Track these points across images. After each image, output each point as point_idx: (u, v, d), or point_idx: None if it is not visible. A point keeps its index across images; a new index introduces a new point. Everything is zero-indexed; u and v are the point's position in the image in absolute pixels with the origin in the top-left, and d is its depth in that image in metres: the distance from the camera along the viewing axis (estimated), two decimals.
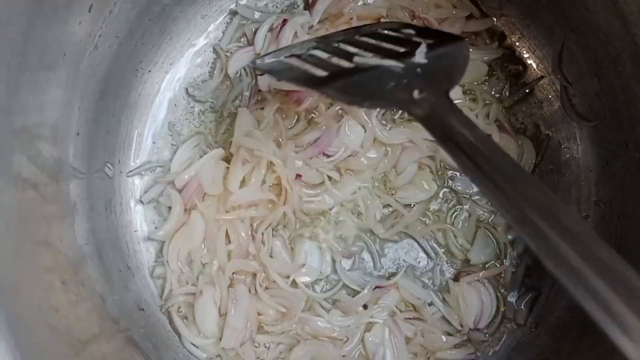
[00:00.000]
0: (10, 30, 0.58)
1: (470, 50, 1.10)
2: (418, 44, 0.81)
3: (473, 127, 0.69)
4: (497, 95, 1.13)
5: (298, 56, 0.88)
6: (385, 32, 0.91)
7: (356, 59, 0.81)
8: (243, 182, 1.05)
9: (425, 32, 0.90)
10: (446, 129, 0.71)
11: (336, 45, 0.90)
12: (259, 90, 1.09)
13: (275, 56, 0.91)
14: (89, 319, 0.77)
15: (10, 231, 0.60)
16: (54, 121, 0.76)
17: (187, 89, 1.10)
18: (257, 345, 1.03)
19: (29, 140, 0.67)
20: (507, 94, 1.13)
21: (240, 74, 1.11)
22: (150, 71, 1.06)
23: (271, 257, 1.04)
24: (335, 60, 0.84)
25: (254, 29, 1.10)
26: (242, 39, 1.12)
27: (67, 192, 0.82)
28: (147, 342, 0.95)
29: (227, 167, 1.05)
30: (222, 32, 1.12)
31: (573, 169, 1.10)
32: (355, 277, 1.07)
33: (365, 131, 1.06)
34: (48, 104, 0.73)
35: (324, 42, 0.92)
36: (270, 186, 1.05)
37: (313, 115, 1.08)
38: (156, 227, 1.06)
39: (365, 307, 1.05)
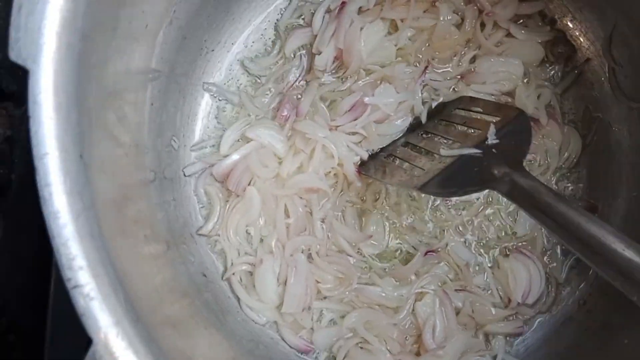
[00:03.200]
0: None
1: (523, 31, 1.13)
2: (487, 124, 0.97)
3: (550, 191, 0.83)
4: (550, 79, 1.15)
5: (395, 155, 1.06)
6: (458, 112, 1.07)
7: (442, 151, 0.97)
8: (301, 167, 1.09)
9: (489, 106, 1.05)
10: (529, 197, 0.84)
11: (424, 133, 1.08)
12: (310, 70, 1.13)
13: (375, 158, 1.09)
14: (166, 273, 0.82)
15: (105, 186, 0.65)
16: (136, 88, 0.81)
17: (242, 62, 1.14)
18: (313, 312, 1.08)
19: (118, 102, 0.73)
20: (560, 77, 1.15)
21: (296, 53, 1.15)
22: (213, 50, 1.11)
23: None
24: (426, 161, 0.99)
25: (312, 10, 1.14)
26: (301, 19, 1.16)
27: (143, 158, 0.87)
28: (210, 307, 1.00)
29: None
30: (281, 13, 1.16)
31: (623, 150, 1.11)
32: (412, 241, 1.11)
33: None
34: (132, 72, 0.78)
35: (411, 135, 1.09)
36: (326, 174, 1.09)
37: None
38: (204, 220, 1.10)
39: (417, 274, 1.09)
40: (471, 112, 1.05)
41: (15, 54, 0.54)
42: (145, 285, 0.68)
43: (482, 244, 1.12)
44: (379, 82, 1.12)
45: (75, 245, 0.53)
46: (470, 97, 1.11)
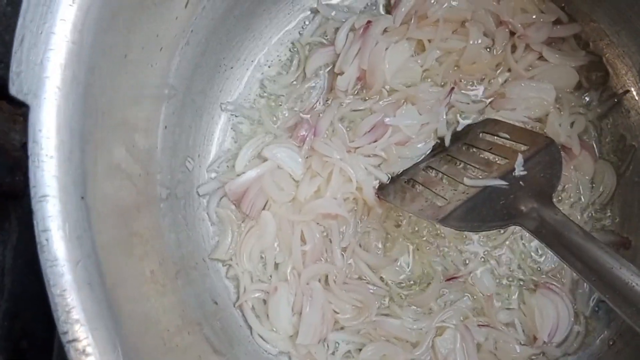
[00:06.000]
0: (118, 23, 0.59)
1: (557, 55, 1.08)
2: (514, 152, 0.92)
3: (581, 230, 0.78)
4: (585, 105, 1.09)
5: (416, 180, 1.01)
6: (484, 136, 1.02)
7: (466, 180, 0.91)
8: (318, 191, 1.05)
9: (516, 132, 0.99)
10: (557, 236, 0.79)
11: (447, 158, 1.03)
12: (331, 90, 1.09)
13: (394, 182, 1.04)
14: (173, 311, 0.78)
15: (109, 224, 0.61)
16: (147, 113, 0.78)
17: (262, 80, 1.11)
18: (328, 345, 1.03)
19: (127, 132, 0.69)
20: (595, 104, 1.09)
21: (318, 72, 1.11)
22: (232, 67, 1.07)
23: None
24: (448, 189, 0.94)
25: (335, 28, 1.10)
26: (324, 37, 1.12)
27: (154, 183, 0.83)
28: (219, 336, 0.96)
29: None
30: (302, 29, 1.12)
31: None
32: (436, 267, 1.06)
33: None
34: (143, 98, 0.75)
35: (434, 158, 1.04)
36: (345, 199, 1.05)
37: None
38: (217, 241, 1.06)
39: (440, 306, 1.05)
40: (497, 138, 1.00)
41: (16, 89, 0.50)
42: (149, 332, 0.64)
43: (507, 275, 1.07)
44: (402, 102, 1.07)
45: (73, 296, 0.50)
46: (496, 120, 1.05)
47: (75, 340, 0.49)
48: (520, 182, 0.89)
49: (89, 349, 0.49)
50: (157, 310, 0.69)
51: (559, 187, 1.07)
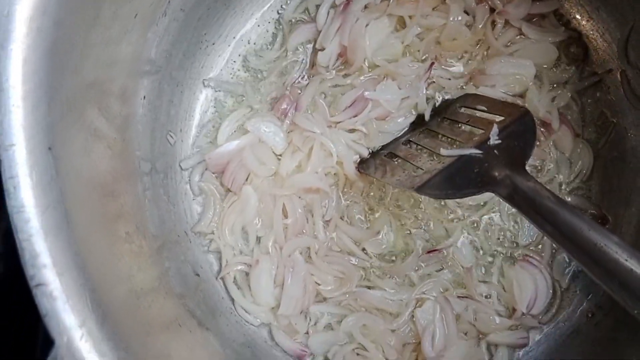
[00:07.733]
0: None
1: (536, 31, 1.09)
2: (491, 123, 0.93)
3: (552, 195, 0.80)
4: (564, 81, 1.10)
5: (396, 154, 1.03)
6: (463, 110, 1.04)
7: (442, 151, 0.93)
8: (299, 166, 1.06)
9: (494, 105, 1.01)
10: (530, 201, 0.82)
11: (427, 132, 1.05)
12: (313, 66, 1.10)
13: (375, 156, 1.06)
14: (150, 272, 0.79)
15: (80, 180, 0.62)
16: (123, 81, 0.78)
17: (245, 57, 1.11)
18: (310, 317, 1.04)
19: (100, 94, 0.70)
20: (574, 80, 1.10)
21: (300, 48, 1.12)
22: (214, 44, 1.08)
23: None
24: (426, 160, 0.96)
25: (317, 4, 1.11)
26: (306, 14, 1.12)
27: (132, 151, 0.84)
28: (200, 307, 0.97)
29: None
30: (286, 4, 1.13)
31: (639, 157, 1.05)
32: (418, 239, 1.08)
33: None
34: (117, 63, 0.75)
35: (414, 132, 1.06)
36: (326, 174, 1.06)
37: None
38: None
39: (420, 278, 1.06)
40: (476, 111, 1.01)
41: None
42: (120, 285, 0.65)
43: (487, 248, 1.08)
44: (383, 77, 1.08)
45: (40, 242, 0.51)
46: (475, 94, 1.07)
47: (42, 284, 0.50)
48: (495, 151, 0.90)
49: (56, 293, 0.50)
50: (130, 268, 0.70)
51: (537, 164, 1.09)
